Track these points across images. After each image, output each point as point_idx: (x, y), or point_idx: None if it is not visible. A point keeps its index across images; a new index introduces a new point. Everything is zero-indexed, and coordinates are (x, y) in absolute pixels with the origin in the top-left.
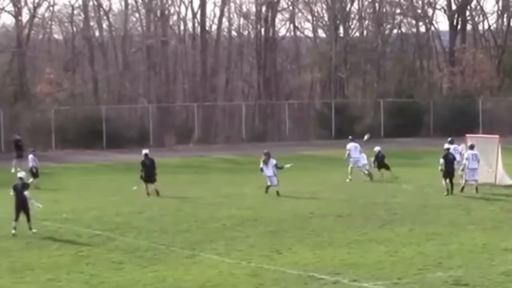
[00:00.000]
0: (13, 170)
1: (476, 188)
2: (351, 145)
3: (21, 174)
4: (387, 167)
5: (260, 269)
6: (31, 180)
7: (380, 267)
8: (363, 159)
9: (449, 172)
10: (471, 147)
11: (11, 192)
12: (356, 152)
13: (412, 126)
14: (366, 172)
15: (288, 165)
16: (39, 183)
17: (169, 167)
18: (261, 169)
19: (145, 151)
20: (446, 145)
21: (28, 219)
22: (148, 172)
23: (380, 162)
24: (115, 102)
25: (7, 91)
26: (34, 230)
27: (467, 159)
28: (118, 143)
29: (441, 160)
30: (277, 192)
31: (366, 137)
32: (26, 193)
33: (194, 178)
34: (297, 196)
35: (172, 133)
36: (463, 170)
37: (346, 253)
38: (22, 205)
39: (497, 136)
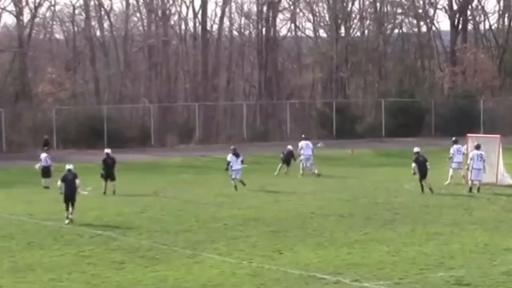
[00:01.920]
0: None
1: (478, 189)
2: (302, 143)
3: (70, 166)
4: (288, 164)
5: (261, 269)
6: (43, 180)
7: (382, 267)
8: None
9: (422, 173)
10: (477, 147)
11: (59, 183)
12: (308, 150)
13: (413, 126)
14: (312, 170)
15: (245, 165)
16: (50, 183)
17: (170, 166)
18: (229, 163)
19: (107, 150)
20: (416, 149)
21: (73, 208)
22: (109, 171)
23: (287, 158)
24: (117, 102)
25: (9, 91)
26: (69, 221)
27: (471, 159)
28: (120, 143)
29: (413, 164)
30: (242, 181)
31: (319, 144)
32: (77, 181)
33: (195, 178)
34: (298, 196)
35: (173, 133)
36: (468, 169)
37: (348, 253)
38: (71, 195)
39: (498, 136)
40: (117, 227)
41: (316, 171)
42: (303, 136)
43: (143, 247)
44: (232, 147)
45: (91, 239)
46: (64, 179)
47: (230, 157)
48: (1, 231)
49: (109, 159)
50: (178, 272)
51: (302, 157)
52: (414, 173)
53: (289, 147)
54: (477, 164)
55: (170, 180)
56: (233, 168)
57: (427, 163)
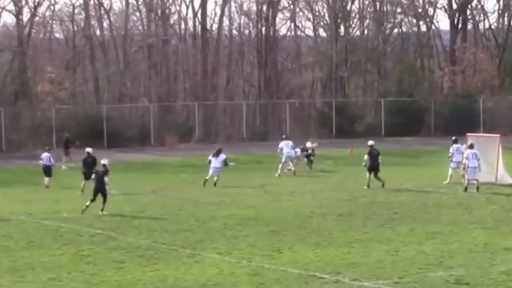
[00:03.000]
0: (64, 167)
1: (477, 188)
2: (283, 143)
3: (105, 161)
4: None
5: (260, 268)
6: (46, 179)
7: (381, 266)
8: (294, 154)
9: (373, 167)
10: (471, 146)
11: (92, 176)
12: (288, 148)
13: (413, 125)
14: (292, 168)
15: (232, 163)
16: (50, 182)
17: (170, 166)
18: (209, 161)
19: (88, 149)
20: (370, 142)
21: (104, 201)
22: (89, 170)
23: (306, 154)
24: (116, 101)
25: (8, 90)
26: (105, 212)
27: (467, 158)
28: (119, 142)
29: (366, 157)
30: (215, 183)
31: (314, 144)
32: (106, 178)
33: (195, 177)
34: (297, 196)
35: (173, 132)
36: (464, 169)
37: (347, 252)
38: (101, 189)
39: (498, 135)
40: (117, 226)
41: (292, 169)
42: (283, 136)
43: (143, 247)
44: (217, 147)
45: (91, 238)
46: (96, 172)
47: (211, 155)
48: (0, 230)
49: (89, 158)
50: (178, 272)
51: (283, 157)
52: (365, 165)
53: (315, 143)
54: (473, 162)
55: (169, 179)
56: (211, 165)
57: (380, 157)
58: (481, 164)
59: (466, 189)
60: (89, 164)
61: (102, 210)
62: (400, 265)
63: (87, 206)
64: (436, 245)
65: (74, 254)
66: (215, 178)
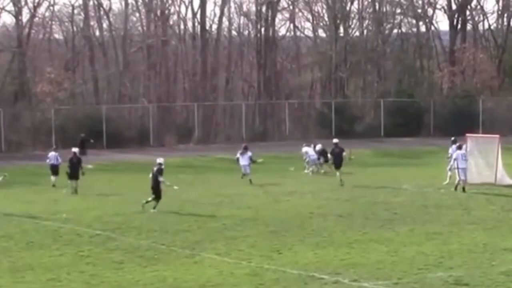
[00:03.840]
0: (90, 166)
1: (464, 188)
2: (306, 148)
3: (160, 160)
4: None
5: (260, 268)
6: (53, 178)
7: (381, 266)
8: (317, 159)
9: (336, 164)
10: (460, 147)
11: (150, 175)
12: (312, 152)
13: (412, 126)
14: (316, 169)
15: (259, 160)
16: (56, 181)
17: (169, 166)
18: (237, 159)
19: (74, 149)
20: (334, 140)
21: (156, 202)
22: (73, 170)
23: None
24: (116, 102)
25: (8, 91)
26: (155, 210)
27: (455, 159)
28: (119, 143)
29: (329, 155)
30: (250, 181)
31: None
32: (160, 178)
33: (194, 178)
34: (297, 196)
35: (172, 133)
36: (450, 169)
37: (347, 253)
38: (153, 187)
39: (497, 136)
40: (116, 227)
41: (310, 169)
42: (304, 144)
43: (142, 247)
44: (243, 144)
45: (90, 239)
46: (152, 172)
47: (238, 153)
48: (0, 230)
49: (75, 158)
50: (177, 272)
51: (310, 158)
52: (332, 163)
53: (319, 145)
54: (462, 163)
55: (169, 180)
56: (240, 163)
57: (344, 154)
58: (481, 166)
59: (464, 189)
60: (75, 164)
61: (154, 207)
62: (400, 265)
63: (154, 207)
64: (435, 246)
65: (73, 255)
66: (249, 176)
